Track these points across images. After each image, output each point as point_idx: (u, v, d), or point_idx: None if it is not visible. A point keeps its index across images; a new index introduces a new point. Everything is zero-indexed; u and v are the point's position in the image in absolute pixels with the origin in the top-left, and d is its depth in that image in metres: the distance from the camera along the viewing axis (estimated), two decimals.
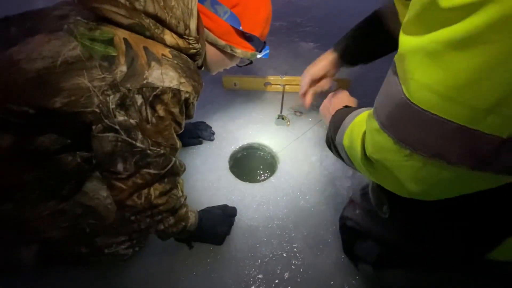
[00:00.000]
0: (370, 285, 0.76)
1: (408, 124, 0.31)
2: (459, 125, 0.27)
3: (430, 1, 0.26)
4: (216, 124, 1.18)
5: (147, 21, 0.53)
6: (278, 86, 1.30)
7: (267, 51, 0.76)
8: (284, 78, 1.28)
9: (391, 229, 0.62)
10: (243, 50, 0.69)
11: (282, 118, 1.17)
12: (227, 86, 1.35)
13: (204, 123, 1.16)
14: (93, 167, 0.56)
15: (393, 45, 0.37)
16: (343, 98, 0.74)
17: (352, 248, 0.76)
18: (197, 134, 1.11)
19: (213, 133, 1.14)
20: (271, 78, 1.30)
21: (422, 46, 0.28)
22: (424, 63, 0.28)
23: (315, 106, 1.04)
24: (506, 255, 0.48)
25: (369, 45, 0.82)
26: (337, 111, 0.63)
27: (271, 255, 0.82)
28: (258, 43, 0.70)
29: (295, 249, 0.84)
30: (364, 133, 0.42)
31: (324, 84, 0.92)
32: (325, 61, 0.89)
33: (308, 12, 1.81)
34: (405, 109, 0.31)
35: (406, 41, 0.30)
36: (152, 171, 0.56)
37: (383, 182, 0.42)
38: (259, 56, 0.75)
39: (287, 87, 1.29)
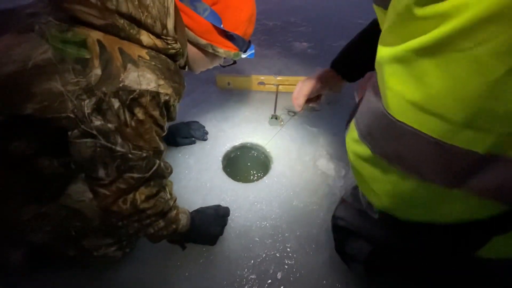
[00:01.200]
0: (362, 284, 0.77)
1: (385, 136, 0.31)
2: (434, 139, 0.26)
3: (404, 11, 0.25)
4: (210, 123, 1.17)
5: (121, 22, 0.50)
6: (272, 86, 1.31)
7: (252, 51, 0.74)
8: (278, 78, 1.29)
9: (381, 229, 0.63)
10: (225, 49, 0.67)
11: (276, 118, 1.17)
12: (221, 86, 1.35)
13: (197, 122, 1.16)
14: (73, 171, 0.54)
15: None
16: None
17: (344, 247, 0.77)
18: (190, 134, 1.10)
19: (206, 133, 1.14)
20: (264, 78, 1.30)
21: (396, 55, 0.27)
22: (397, 72, 0.27)
23: (309, 107, 1.05)
24: (495, 253, 0.49)
25: (368, 60, 0.83)
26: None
27: (264, 255, 0.82)
28: (241, 43, 0.68)
29: (288, 249, 0.84)
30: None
31: (318, 101, 0.94)
32: (321, 83, 0.87)
33: (302, 11, 1.81)
34: (383, 120, 0.30)
35: (382, 50, 0.30)
36: (135, 175, 0.54)
37: (363, 189, 0.42)
38: (243, 56, 0.73)
39: (280, 87, 1.30)
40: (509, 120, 0.23)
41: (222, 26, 0.63)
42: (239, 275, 0.78)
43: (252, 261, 0.81)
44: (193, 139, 1.11)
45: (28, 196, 0.54)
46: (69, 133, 0.47)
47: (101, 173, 0.51)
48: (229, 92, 1.32)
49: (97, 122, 0.48)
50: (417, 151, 0.28)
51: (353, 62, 0.83)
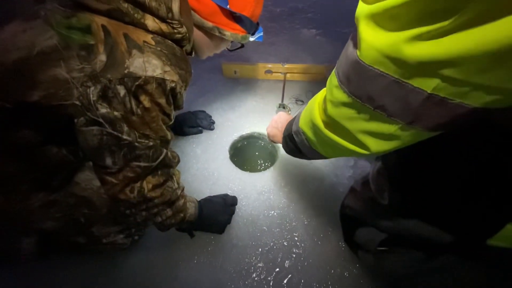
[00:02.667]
0: (370, 273, 0.76)
1: (358, 79, 0.36)
2: (395, 78, 0.32)
3: None
4: (216, 113, 1.17)
5: (125, 6, 0.49)
6: (280, 74, 1.28)
7: (261, 34, 0.71)
8: (285, 66, 1.26)
9: (391, 216, 0.62)
10: (232, 32, 0.65)
11: (283, 107, 1.15)
12: (227, 74, 1.33)
13: (204, 112, 1.15)
14: (81, 159, 0.54)
15: None
16: (286, 116, 0.78)
17: (353, 237, 0.76)
18: (197, 123, 1.10)
19: (213, 122, 1.13)
20: (272, 66, 1.28)
21: (371, 11, 0.32)
22: (370, 26, 0.32)
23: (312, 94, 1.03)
24: (506, 242, 0.48)
25: None
26: (287, 124, 0.67)
27: (271, 243, 0.83)
28: (249, 25, 0.66)
29: (296, 238, 0.84)
30: (323, 99, 0.46)
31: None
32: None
33: None
34: (356, 65, 0.35)
35: (360, 7, 0.35)
36: (142, 164, 0.54)
37: (344, 144, 0.45)
38: (251, 39, 0.71)
39: (288, 75, 1.27)
40: (448, 66, 0.28)
41: (228, 6, 0.61)
42: (247, 263, 0.79)
43: (260, 250, 0.81)
44: (200, 128, 1.10)
45: (36, 184, 0.54)
46: (75, 120, 0.47)
47: (108, 161, 0.51)
48: (235, 81, 1.30)
49: (103, 109, 0.47)
50: (383, 90, 0.34)
51: None
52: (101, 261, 0.79)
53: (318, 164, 1.01)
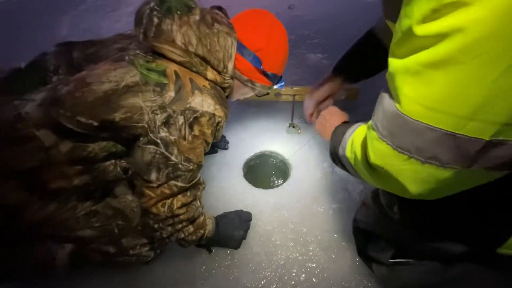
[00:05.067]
0: (385, 286, 0.77)
1: (403, 132, 0.36)
2: (446, 131, 0.32)
3: (408, 29, 0.32)
4: (230, 133, 1.23)
5: (196, 60, 0.65)
6: (289, 96, 1.35)
7: (282, 84, 0.88)
8: (294, 89, 1.33)
9: (402, 229, 0.64)
10: (262, 84, 0.80)
11: (293, 127, 1.21)
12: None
13: None
14: (129, 176, 0.64)
15: None
16: (337, 114, 0.79)
17: (366, 250, 0.78)
18: (212, 144, 1.16)
19: (228, 142, 1.19)
20: (281, 89, 1.35)
21: (407, 67, 0.33)
22: (409, 81, 0.33)
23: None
24: None
25: (368, 62, 0.88)
26: (336, 128, 0.68)
27: (286, 258, 0.85)
28: (274, 78, 0.82)
29: (310, 252, 0.86)
30: (365, 142, 0.46)
31: (328, 103, 0.97)
32: (327, 85, 0.94)
33: (315, 24, 1.87)
34: (399, 119, 0.36)
35: (393, 62, 0.36)
36: (179, 184, 0.64)
37: (387, 186, 0.45)
38: (275, 87, 0.87)
39: (297, 96, 1.34)
40: (506, 112, 0.29)
41: (262, 67, 0.75)
42: (263, 277, 0.81)
43: (275, 264, 0.84)
44: (215, 148, 1.17)
45: (84, 194, 0.62)
46: (141, 139, 0.59)
47: (153, 176, 0.61)
48: (247, 103, 1.37)
49: (163, 133, 0.59)
50: (433, 142, 0.34)
51: (351, 64, 0.92)
52: (124, 274, 0.82)
53: (330, 180, 1.04)
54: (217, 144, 1.17)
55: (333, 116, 0.78)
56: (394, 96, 0.36)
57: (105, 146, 0.59)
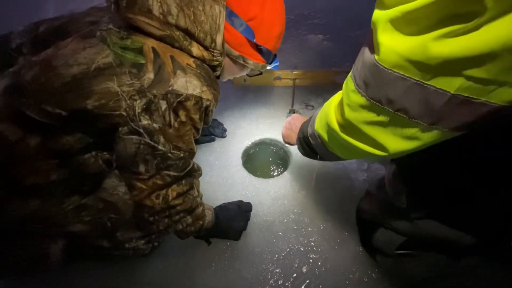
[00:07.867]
0: (389, 277, 0.75)
1: (377, 82, 0.37)
2: (416, 80, 0.32)
3: None
4: (228, 120, 1.19)
5: (177, 34, 0.56)
6: (289, 80, 1.30)
7: (277, 63, 0.78)
8: (294, 72, 1.27)
9: (410, 219, 0.61)
10: (254, 61, 0.71)
11: (294, 113, 1.16)
12: (237, 83, 1.35)
13: (216, 120, 1.17)
14: (113, 169, 0.58)
15: None
16: (301, 119, 0.78)
17: (370, 241, 0.76)
18: (209, 132, 1.12)
19: (225, 130, 1.15)
20: (281, 73, 1.30)
21: (390, 16, 0.33)
22: (388, 29, 0.33)
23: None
24: None
25: None
26: (302, 124, 0.68)
27: (288, 249, 0.83)
28: (268, 56, 0.72)
29: (312, 243, 0.84)
30: (341, 102, 0.46)
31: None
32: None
33: (315, 3, 1.78)
34: (374, 69, 0.36)
35: (376, 13, 0.36)
36: (172, 173, 0.58)
37: (360, 146, 0.45)
38: (268, 67, 0.77)
39: (297, 81, 1.28)
40: (473, 65, 0.28)
41: (255, 40, 0.66)
42: (264, 269, 0.79)
43: (277, 255, 0.82)
44: (213, 136, 1.12)
45: (70, 188, 0.58)
46: (120, 129, 0.52)
47: (141, 168, 0.55)
48: (245, 89, 1.32)
49: (145, 121, 0.52)
50: (403, 93, 0.34)
51: None
52: (122, 267, 0.80)
53: (331, 168, 1.01)
54: (215, 132, 1.12)
55: (297, 120, 0.78)
56: (374, 47, 0.36)
57: (80, 137, 0.53)
